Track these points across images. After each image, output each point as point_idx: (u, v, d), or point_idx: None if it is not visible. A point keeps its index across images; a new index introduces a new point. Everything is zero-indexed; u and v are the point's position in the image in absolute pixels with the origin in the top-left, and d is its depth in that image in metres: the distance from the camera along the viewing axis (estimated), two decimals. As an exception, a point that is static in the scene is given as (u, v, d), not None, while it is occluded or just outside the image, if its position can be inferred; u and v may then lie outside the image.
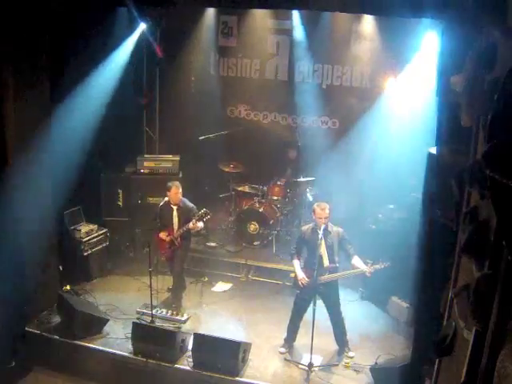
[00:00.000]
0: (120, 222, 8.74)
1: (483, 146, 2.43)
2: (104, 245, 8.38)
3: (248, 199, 8.85)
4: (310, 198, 8.43)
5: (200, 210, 7.05)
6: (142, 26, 8.05)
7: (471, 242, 2.44)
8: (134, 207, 8.65)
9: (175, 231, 7.18)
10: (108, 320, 6.90)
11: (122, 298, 7.61)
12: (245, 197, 8.93)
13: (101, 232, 8.34)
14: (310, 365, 6.07)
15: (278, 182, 8.82)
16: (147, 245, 6.77)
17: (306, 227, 6.46)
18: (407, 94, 8.02)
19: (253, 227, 8.66)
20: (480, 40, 3.01)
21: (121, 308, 7.30)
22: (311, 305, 6.05)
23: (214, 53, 9.44)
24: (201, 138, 8.86)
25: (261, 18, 8.82)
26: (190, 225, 6.99)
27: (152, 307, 6.90)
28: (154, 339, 6.25)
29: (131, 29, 8.19)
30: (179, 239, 7.19)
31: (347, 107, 8.78)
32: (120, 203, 8.74)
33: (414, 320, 5.80)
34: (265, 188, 8.77)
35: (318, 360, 6.31)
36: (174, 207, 7.18)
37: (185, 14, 8.89)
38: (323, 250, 6.15)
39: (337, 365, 6.34)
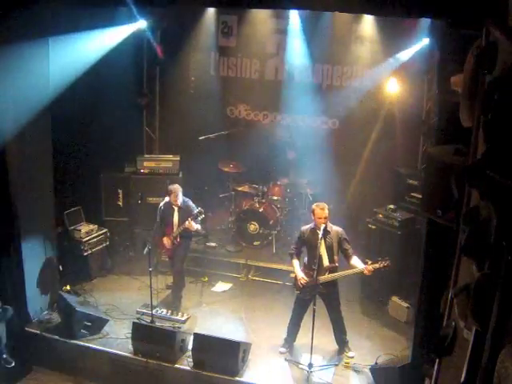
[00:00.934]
0: (120, 221, 8.75)
1: (483, 146, 2.43)
2: (104, 245, 8.38)
3: (248, 199, 8.85)
4: (310, 198, 8.44)
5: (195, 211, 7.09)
6: (142, 26, 8.04)
7: (471, 242, 2.44)
8: (134, 207, 8.65)
9: (174, 230, 7.20)
10: (108, 320, 6.90)
11: (122, 298, 7.61)
12: (245, 197, 8.93)
13: (101, 232, 8.34)
14: (310, 365, 6.07)
15: (278, 182, 8.82)
16: (147, 245, 6.77)
17: (305, 227, 6.46)
18: (407, 94, 8.01)
19: (253, 227, 8.66)
20: (480, 40, 3.01)
21: (121, 308, 7.29)
22: (311, 305, 6.06)
23: (214, 53, 9.43)
24: (201, 138, 8.85)
25: (261, 18, 8.81)
26: (186, 224, 7.01)
27: (152, 307, 6.90)
28: (153, 339, 6.25)
29: (131, 28, 8.19)
30: (178, 238, 7.21)
31: (347, 107, 8.77)
32: (120, 203, 8.74)
33: (414, 320, 5.80)
34: (265, 188, 8.77)
35: (317, 360, 6.31)
36: (176, 207, 7.21)
37: (185, 14, 8.88)
38: (323, 250, 6.14)
39: (337, 365, 6.33)
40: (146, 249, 6.69)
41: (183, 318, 7.04)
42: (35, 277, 6.90)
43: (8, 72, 5.99)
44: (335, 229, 6.28)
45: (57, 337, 6.63)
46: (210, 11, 8.93)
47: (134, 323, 6.51)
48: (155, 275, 7.03)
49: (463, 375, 2.60)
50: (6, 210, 6.48)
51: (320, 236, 6.08)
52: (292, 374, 6.19)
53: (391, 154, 8.28)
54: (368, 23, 8.26)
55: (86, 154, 8.21)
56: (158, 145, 9.75)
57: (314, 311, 5.94)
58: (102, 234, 8.34)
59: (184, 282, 7.59)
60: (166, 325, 6.82)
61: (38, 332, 6.69)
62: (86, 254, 8.00)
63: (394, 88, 7.95)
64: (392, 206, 7.50)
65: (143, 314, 7.08)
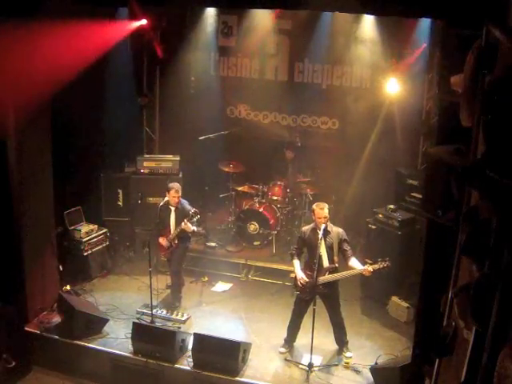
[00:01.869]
0: (120, 222, 8.75)
1: (483, 146, 2.43)
2: (104, 245, 8.38)
3: (248, 199, 8.84)
4: (310, 198, 8.44)
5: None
6: (142, 26, 8.03)
7: (471, 242, 2.44)
8: (133, 207, 8.66)
9: (172, 232, 7.22)
10: (108, 320, 6.89)
11: (122, 298, 7.60)
12: (245, 197, 8.93)
13: (101, 232, 8.34)
14: (310, 365, 6.07)
15: (278, 182, 8.81)
16: (147, 245, 6.77)
17: (306, 228, 6.46)
18: (407, 94, 8.01)
19: (253, 227, 8.65)
20: (480, 40, 3.01)
21: (121, 308, 7.29)
22: (311, 305, 6.06)
23: (214, 53, 9.42)
24: (201, 138, 8.84)
25: (261, 18, 8.80)
26: (182, 225, 7.03)
27: (152, 307, 6.90)
28: (153, 339, 6.25)
29: (131, 28, 8.19)
30: (176, 240, 7.23)
31: (347, 107, 8.77)
32: (120, 203, 8.74)
33: (414, 320, 5.80)
34: (265, 188, 8.77)
35: (317, 360, 6.31)
36: (172, 208, 7.21)
37: (185, 14, 8.89)
38: (323, 251, 6.15)
39: (337, 365, 6.33)
40: (146, 249, 6.69)
41: (183, 318, 7.04)
42: (35, 277, 6.90)
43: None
44: (335, 229, 6.28)
45: (57, 337, 6.63)
46: (210, 11, 8.93)
47: (133, 323, 6.51)
48: (155, 275, 7.02)
49: (463, 375, 2.60)
50: (6, 209, 6.48)
51: (320, 236, 6.08)
52: (292, 374, 6.19)
53: (391, 154, 8.27)
54: (368, 23, 8.25)
55: (86, 153, 8.21)
56: (158, 145, 9.75)
57: (314, 311, 5.94)
58: (101, 234, 8.34)
59: (183, 281, 7.60)
60: (166, 325, 6.83)
61: (38, 332, 6.69)
62: (85, 253, 8.00)
63: (393, 88, 7.94)
64: (392, 206, 7.50)
65: (143, 313, 7.08)
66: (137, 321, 6.75)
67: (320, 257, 6.08)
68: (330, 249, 6.20)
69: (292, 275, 6.66)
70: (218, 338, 6.13)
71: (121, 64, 8.28)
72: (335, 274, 6.19)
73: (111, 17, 7.43)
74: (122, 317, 7.10)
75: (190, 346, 6.27)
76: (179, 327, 6.85)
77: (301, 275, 6.29)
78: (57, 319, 6.89)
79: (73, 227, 8.08)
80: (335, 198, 8.58)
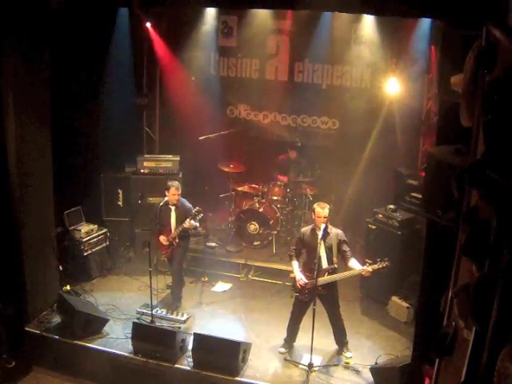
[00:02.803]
0: (120, 221, 8.75)
1: (483, 146, 2.43)
2: (104, 245, 8.38)
3: (248, 199, 8.85)
4: (310, 198, 8.44)
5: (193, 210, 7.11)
6: (143, 26, 8.05)
7: (471, 242, 2.44)
8: (133, 207, 8.66)
9: (173, 231, 7.21)
10: (108, 320, 6.89)
11: (122, 298, 7.61)
12: (245, 197, 8.93)
13: (101, 232, 8.34)
14: (310, 365, 6.07)
15: (278, 182, 8.81)
16: (147, 245, 6.77)
17: (305, 229, 6.46)
18: (407, 94, 8.01)
19: (253, 227, 8.66)
20: (480, 40, 3.01)
21: (121, 308, 7.29)
22: (311, 305, 6.05)
23: (214, 53, 9.43)
24: (201, 137, 8.85)
25: (261, 18, 8.80)
26: (186, 224, 7.02)
27: (152, 307, 6.90)
28: (153, 339, 6.25)
29: (132, 28, 8.21)
30: (177, 239, 7.22)
31: (347, 107, 8.77)
32: (120, 203, 8.74)
33: (414, 320, 5.80)
34: (265, 188, 8.77)
35: (317, 360, 6.31)
36: (172, 207, 7.21)
37: (185, 14, 8.88)
38: (322, 252, 6.15)
39: (337, 365, 6.33)
40: (146, 249, 6.69)
41: (183, 318, 7.04)
42: (35, 277, 6.90)
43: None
44: (335, 231, 6.29)
45: (57, 337, 6.63)
46: (210, 11, 8.93)
47: (133, 323, 6.51)
48: (155, 275, 7.03)
49: (463, 375, 2.60)
50: (6, 209, 6.48)
51: (320, 236, 6.08)
52: (292, 374, 6.19)
53: (391, 154, 8.27)
54: (368, 23, 8.25)
55: (86, 153, 8.21)
56: (158, 145, 9.76)
57: (314, 311, 5.94)
58: (101, 234, 8.34)
59: (183, 281, 7.60)
60: (166, 325, 6.83)
61: (38, 332, 6.69)
62: (86, 253, 8.00)
63: (394, 88, 7.94)
64: (392, 206, 7.50)
65: (143, 313, 7.08)
66: (137, 321, 6.76)
67: (319, 258, 6.08)
68: (329, 250, 6.20)
69: (291, 275, 6.66)
70: (218, 338, 6.13)
71: (121, 64, 8.29)
72: (334, 275, 6.19)
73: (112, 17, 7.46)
74: (121, 317, 7.10)
75: (190, 346, 6.27)
76: (179, 327, 6.86)
77: (300, 276, 6.29)
78: (57, 319, 6.90)
79: (73, 227, 8.08)
80: (335, 198, 8.59)
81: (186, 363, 6.20)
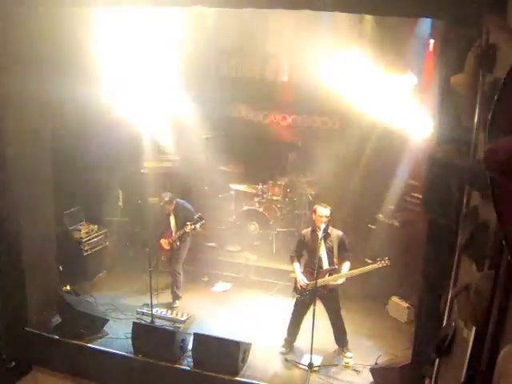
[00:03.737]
0: (120, 222, 8.75)
1: (483, 145, 2.43)
2: (104, 245, 8.38)
3: (248, 199, 8.85)
4: (310, 198, 8.43)
5: (195, 215, 7.17)
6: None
7: (471, 242, 2.44)
8: (134, 207, 8.65)
9: (173, 234, 7.23)
10: (108, 320, 6.89)
11: (122, 298, 7.61)
12: (245, 197, 8.93)
13: (101, 232, 8.34)
14: (310, 365, 6.07)
15: (278, 182, 8.81)
16: (147, 245, 6.77)
17: (305, 230, 6.47)
18: (407, 93, 8.00)
19: (253, 227, 8.66)
20: (480, 40, 3.01)
21: (121, 308, 7.30)
22: (311, 306, 6.05)
23: (214, 53, 9.42)
24: (201, 138, 8.85)
25: (261, 17, 8.79)
26: (186, 229, 7.09)
27: (152, 307, 6.90)
28: (153, 339, 6.25)
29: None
30: (178, 242, 7.25)
31: (347, 107, 8.75)
32: (120, 203, 8.74)
33: (414, 320, 5.80)
34: (265, 188, 8.77)
35: (317, 360, 6.31)
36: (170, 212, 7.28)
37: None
38: (322, 252, 6.15)
39: (337, 365, 6.33)
40: (146, 249, 6.70)
41: (183, 318, 7.04)
42: (35, 277, 6.90)
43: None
44: (336, 232, 6.29)
45: (57, 337, 6.63)
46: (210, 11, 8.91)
47: (134, 323, 6.51)
48: (155, 275, 7.03)
49: (463, 375, 2.60)
50: (6, 209, 6.48)
51: (320, 237, 6.08)
52: (292, 374, 6.19)
53: (391, 154, 8.26)
54: (368, 23, 8.25)
55: (86, 154, 8.20)
56: (159, 145, 9.73)
57: (314, 311, 5.94)
58: (101, 234, 8.35)
59: (181, 280, 7.60)
60: (166, 325, 6.83)
61: (38, 332, 6.69)
62: (85, 254, 8.00)
63: (393, 87, 7.92)
64: (392, 206, 7.50)
65: (143, 313, 7.09)
66: (137, 321, 6.75)
67: (320, 259, 6.08)
68: (329, 251, 6.21)
69: (292, 275, 6.66)
70: (217, 338, 6.13)
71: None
72: (335, 276, 6.20)
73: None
74: (121, 317, 7.11)
75: (190, 346, 6.27)
76: (179, 327, 6.86)
77: (301, 277, 6.29)
78: (57, 319, 6.90)
79: (73, 227, 8.08)
80: (335, 198, 8.57)
81: (185, 363, 6.20)
